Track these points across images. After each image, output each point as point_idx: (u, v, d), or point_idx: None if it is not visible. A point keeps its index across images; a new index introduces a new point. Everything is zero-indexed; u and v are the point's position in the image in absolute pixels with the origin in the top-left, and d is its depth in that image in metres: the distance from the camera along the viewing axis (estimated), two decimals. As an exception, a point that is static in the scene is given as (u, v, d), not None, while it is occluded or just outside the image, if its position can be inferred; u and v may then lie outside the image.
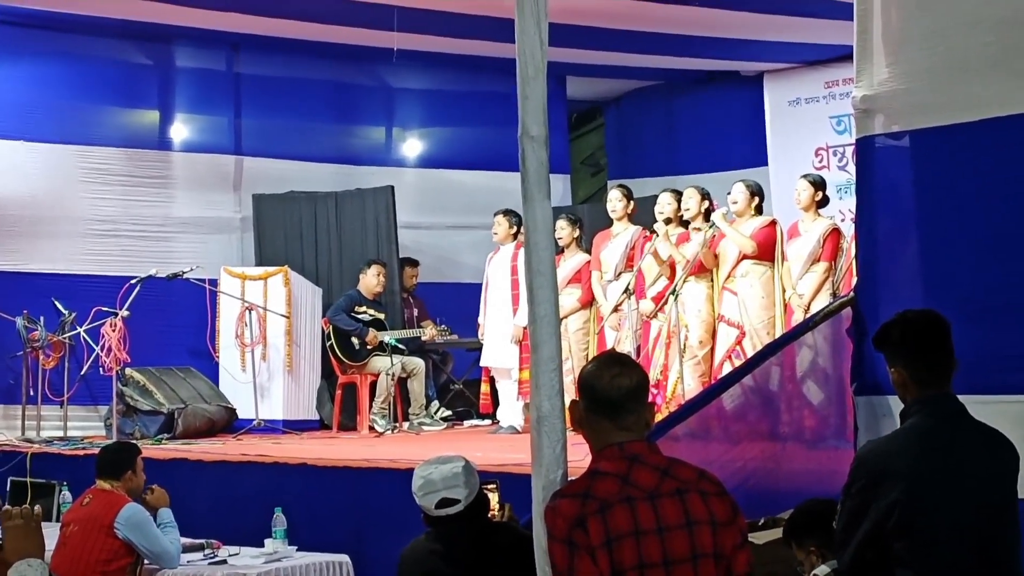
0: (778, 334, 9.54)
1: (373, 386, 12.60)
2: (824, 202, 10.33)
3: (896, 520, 4.16)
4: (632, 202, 11.38)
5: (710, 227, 10.28)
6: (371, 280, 12.92)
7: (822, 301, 9.60)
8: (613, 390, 3.80)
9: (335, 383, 12.93)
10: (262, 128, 14.38)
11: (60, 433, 12.11)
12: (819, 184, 10.36)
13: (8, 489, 10.41)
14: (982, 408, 4.39)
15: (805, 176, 10.55)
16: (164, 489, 7.79)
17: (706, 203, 10.63)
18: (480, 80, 14.73)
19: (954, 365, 4.34)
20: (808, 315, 8.99)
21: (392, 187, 13.94)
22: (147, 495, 7.63)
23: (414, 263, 14.14)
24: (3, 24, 12.75)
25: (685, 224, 10.72)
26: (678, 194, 10.85)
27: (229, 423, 12.44)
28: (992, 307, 5.26)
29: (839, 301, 6.43)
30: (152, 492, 7.68)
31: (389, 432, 12.19)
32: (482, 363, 12.37)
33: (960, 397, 4.38)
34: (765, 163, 14.72)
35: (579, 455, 4.05)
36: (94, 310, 12.03)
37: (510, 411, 11.96)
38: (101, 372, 11.86)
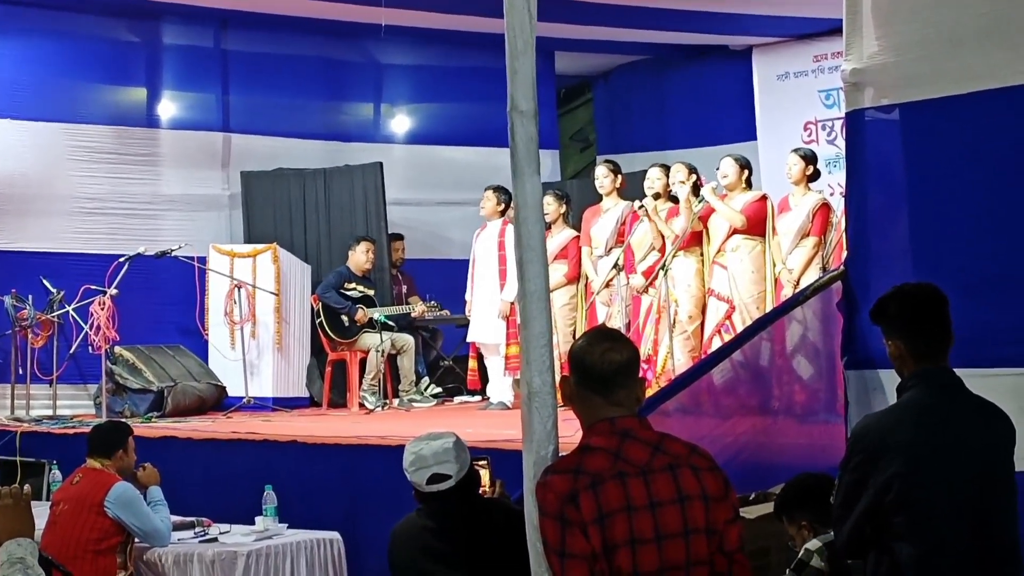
0: (768, 309, 9.54)
1: (363, 363, 12.58)
2: (815, 176, 10.32)
3: (894, 494, 4.16)
4: (620, 176, 11.36)
5: (700, 201, 10.28)
6: (360, 257, 12.89)
7: (812, 276, 9.60)
8: (604, 365, 3.80)
9: (325, 360, 12.91)
10: (250, 105, 14.34)
11: (49, 412, 12.10)
12: (810, 158, 10.35)
13: (-3, 468, 10.41)
14: (975, 382, 4.38)
15: (796, 150, 10.53)
16: (155, 467, 7.78)
17: (693, 178, 10.63)
18: (469, 55, 14.71)
19: (951, 339, 4.33)
20: (798, 289, 8.99)
21: (381, 163, 13.91)
22: (138, 473, 7.63)
23: (398, 237, 14.10)
24: (-10, 2, 12.72)
25: (674, 199, 10.72)
26: (667, 169, 10.85)
27: (219, 401, 12.45)
28: (984, 280, 5.26)
29: (829, 275, 6.42)
30: (143, 470, 7.68)
31: (379, 409, 12.19)
32: (469, 339, 12.37)
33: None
34: (754, 137, 14.71)
35: (570, 431, 4.05)
36: (83, 288, 12.01)
37: (499, 387, 11.96)
38: (90, 351, 11.84)
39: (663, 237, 10.58)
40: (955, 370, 4.35)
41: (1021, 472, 4.38)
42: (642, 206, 10.62)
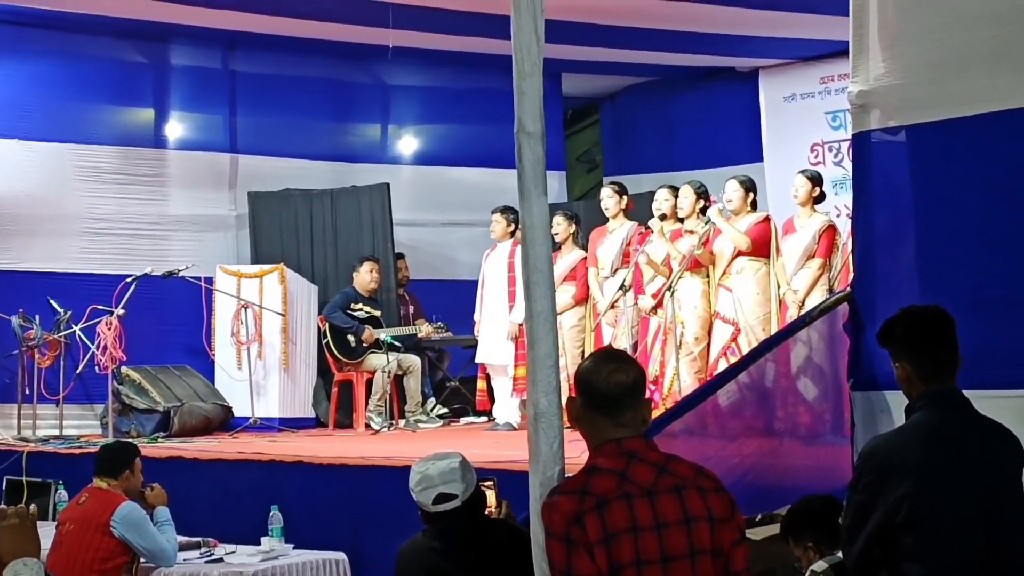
0: (773, 330, 9.54)
1: (369, 383, 12.59)
2: (821, 198, 10.33)
3: (904, 514, 4.16)
4: (625, 198, 11.37)
5: (706, 223, 10.29)
6: (364, 277, 12.91)
7: (817, 297, 9.61)
8: (610, 386, 3.79)
9: (331, 381, 12.92)
10: (258, 126, 14.37)
11: (56, 432, 12.10)
12: (816, 180, 10.36)
13: (4, 488, 10.41)
14: (983, 403, 4.38)
15: (803, 172, 10.55)
16: (162, 487, 7.78)
17: (702, 201, 10.63)
18: (476, 77, 14.73)
19: (959, 360, 4.33)
20: (803, 311, 8.99)
21: (388, 184, 13.92)
22: (146, 493, 7.62)
23: (400, 256, 14.08)
24: (-2, 22, 12.76)
25: (682, 221, 10.72)
26: (675, 190, 10.85)
27: (225, 421, 12.44)
28: (989, 302, 5.26)
29: (836, 296, 6.43)
30: (151, 490, 7.67)
31: (385, 430, 12.18)
32: (478, 360, 12.37)
33: (960, 392, 4.38)
34: (761, 159, 14.73)
35: (576, 452, 4.05)
36: (90, 308, 12.05)
37: (506, 408, 11.95)
38: (97, 371, 11.87)
39: (667, 263, 10.58)
40: (963, 392, 4.34)
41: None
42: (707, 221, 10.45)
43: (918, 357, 4.32)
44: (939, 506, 4.16)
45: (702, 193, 10.69)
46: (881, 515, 4.21)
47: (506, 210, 11.98)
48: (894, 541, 4.21)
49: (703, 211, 10.54)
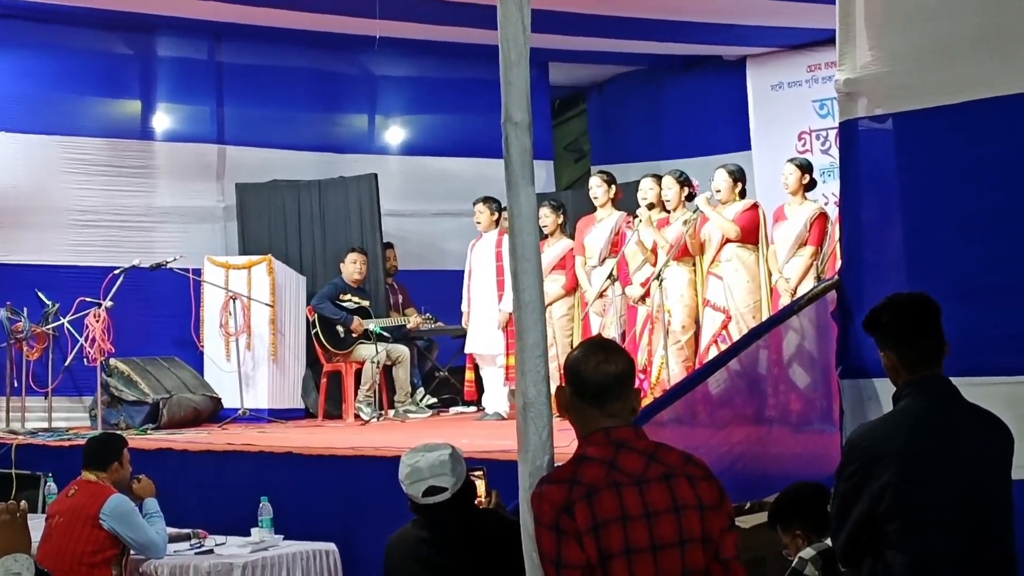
0: (764, 318, 9.55)
1: (358, 374, 12.59)
2: (812, 185, 10.36)
3: (888, 502, 4.16)
4: (614, 187, 11.37)
5: (694, 211, 10.29)
6: (349, 268, 12.90)
7: (809, 285, 9.62)
8: (599, 376, 3.80)
9: (320, 371, 12.92)
10: (245, 117, 14.35)
11: (45, 424, 12.08)
12: (806, 167, 10.38)
13: (-7, 481, 10.40)
14: (971, 391, 4.39)
15: (792, 160, 10.58)
16: (151, 479, 7.78)
17: (686, 189, 10.64)
18: (462, 67, 14.70)
19: (945, 348, 4.34)
20: (795, 299, 9.00)
21: (375, 175, 13.92)
22: (134, 485, 7.62)
23: (388, 246, 14.06)
24: (-17, 15, 12.72)
25: (668, 212, 10.73)
26: (660, 179, 10.86)
27: (214, 413, 12.44)
28: (978, 288, 5.27)
29: (823, 284, 6.43)
30: (139, 482, 7.67)
31: (375, 420, 12.18)
32: (467, 350, 12.38)
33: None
34: (748, 147, 14.73)
35: (565, 441, 4.05)
36: (78, 301, 12.01)
37: (495, 398, 11.96)
38: (85, 363, 11.85)
39: (655, 251, 10.58)
40: (951, 379, 4.35)
41: (1018, 480, 4.38)
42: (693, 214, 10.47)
43: (903, 346, 4.33)
44: (923, 494, 4.17)
45: (684, 181, 10.70)
46: (866, 503, 4.22)
47: (488, 200, 12.01)
48: (879, 529, 4.21)
49: (688, 198, 10.55)
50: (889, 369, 4.40)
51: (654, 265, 10.47)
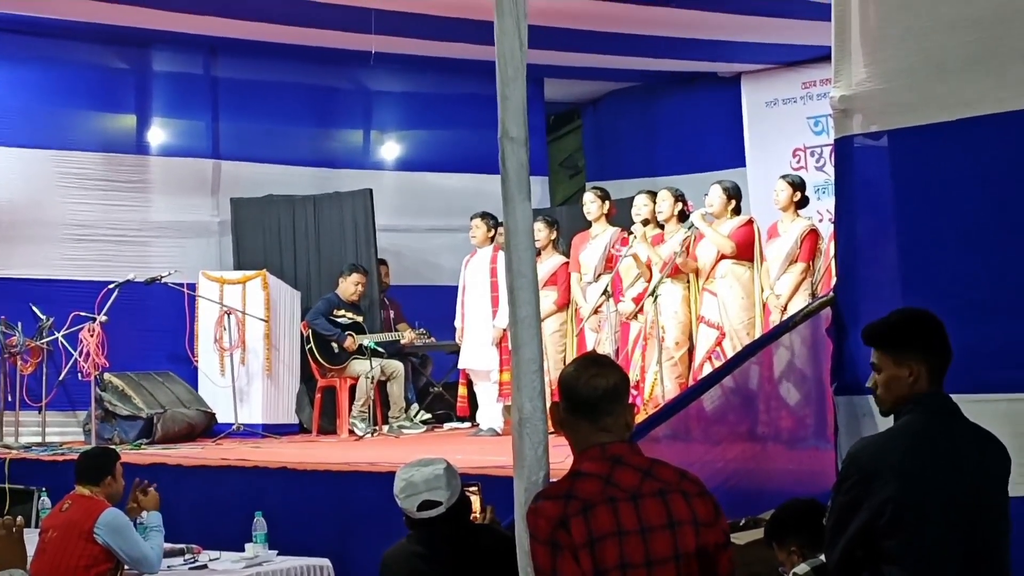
0: (758, 335, 9.55)
1: (352, 389, 12.58)
2: (803, 202, 10.35)
3: (887, 517, 4.15)
4: (608, 203, 11.37)
5: (688, 228, 10.30)
6: (349, 287, 12.89)
7: (800, 301, 9.62)
8: (591, 390, 3.81)
9: (314, 387, 12.91)
10: (240, 132, 14.36)
11: (39, 439, 12.07)
12: (798, 185, 10.38)
13: (-13, 495, 10.38)
14: (967, 407, 4.36)
15: (784, 177, 10.57)
16: (157, 492, 7.74)
17: (680, 205, 10.65)
18: (458, 82, 14.73)
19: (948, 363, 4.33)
20: (785, 315, 9.00)
21: (370, 190, 13.92)
22: (139, 496, 7.58)
23: (382, 262, 14.07)
24: (-21, 29, 12.73)
25: (661, 226, 10.74)
26: (654, 195, 10.87)
27: (208, 427, 12.42)
28: (973, 305, 5.26)
29: (819, 301, 6.43)
30: (145, 494, 7.62)
31: (369, 435, 12.17)
32: (460, 365, 12.37)
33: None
34: (743, 164, 14.74)
35: (561, 457, 4.05)
36: (72, 315, 12.01)
37: (490, 413, 11.95)
38: (79, 377, 11.83)
39: (649, 267, 10.59)
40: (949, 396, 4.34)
41: (1016, 498, 4.38)
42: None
43: (935, 356, 4.27)
44: (922, 510, 4.16)
45: (680, 197, 10.72)
46: (863, 518, 4.21)
47: (485, 216, 12.01)
48: (876, 544, 4.21)
49: (682, 216, 10.56)
50: (901, 381, 4.31)
51: (649, 281, 10.47)
